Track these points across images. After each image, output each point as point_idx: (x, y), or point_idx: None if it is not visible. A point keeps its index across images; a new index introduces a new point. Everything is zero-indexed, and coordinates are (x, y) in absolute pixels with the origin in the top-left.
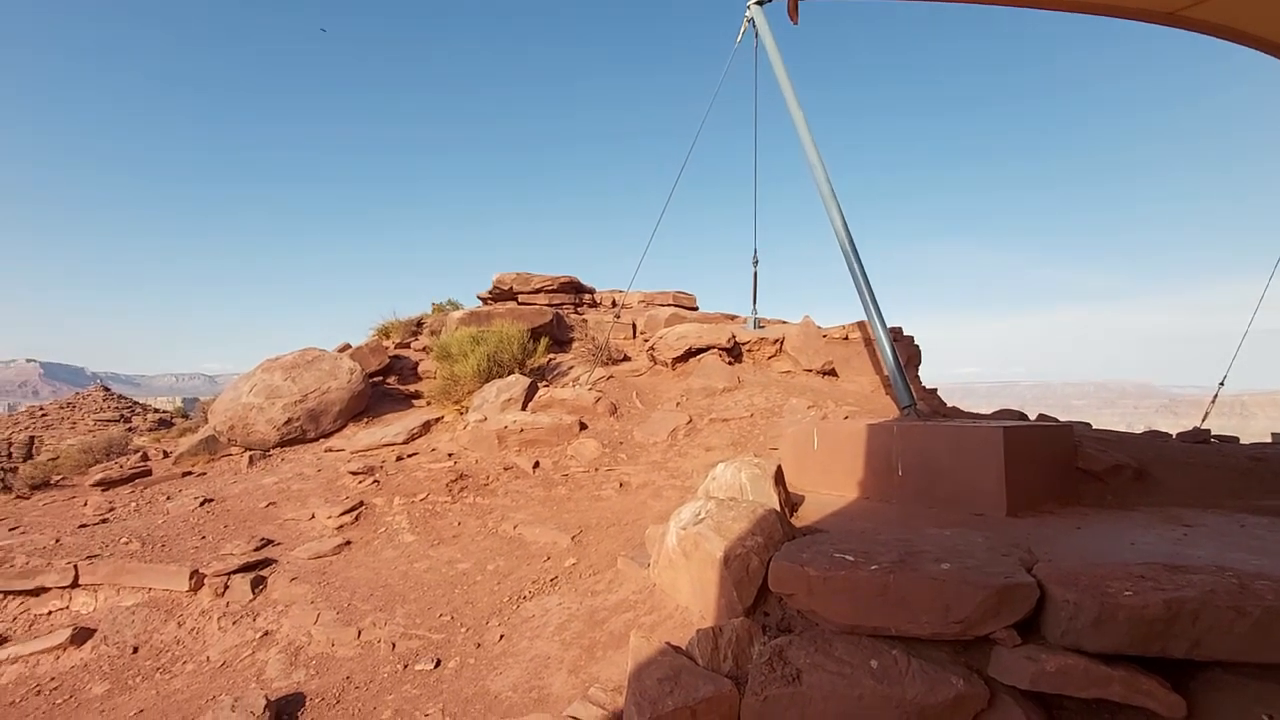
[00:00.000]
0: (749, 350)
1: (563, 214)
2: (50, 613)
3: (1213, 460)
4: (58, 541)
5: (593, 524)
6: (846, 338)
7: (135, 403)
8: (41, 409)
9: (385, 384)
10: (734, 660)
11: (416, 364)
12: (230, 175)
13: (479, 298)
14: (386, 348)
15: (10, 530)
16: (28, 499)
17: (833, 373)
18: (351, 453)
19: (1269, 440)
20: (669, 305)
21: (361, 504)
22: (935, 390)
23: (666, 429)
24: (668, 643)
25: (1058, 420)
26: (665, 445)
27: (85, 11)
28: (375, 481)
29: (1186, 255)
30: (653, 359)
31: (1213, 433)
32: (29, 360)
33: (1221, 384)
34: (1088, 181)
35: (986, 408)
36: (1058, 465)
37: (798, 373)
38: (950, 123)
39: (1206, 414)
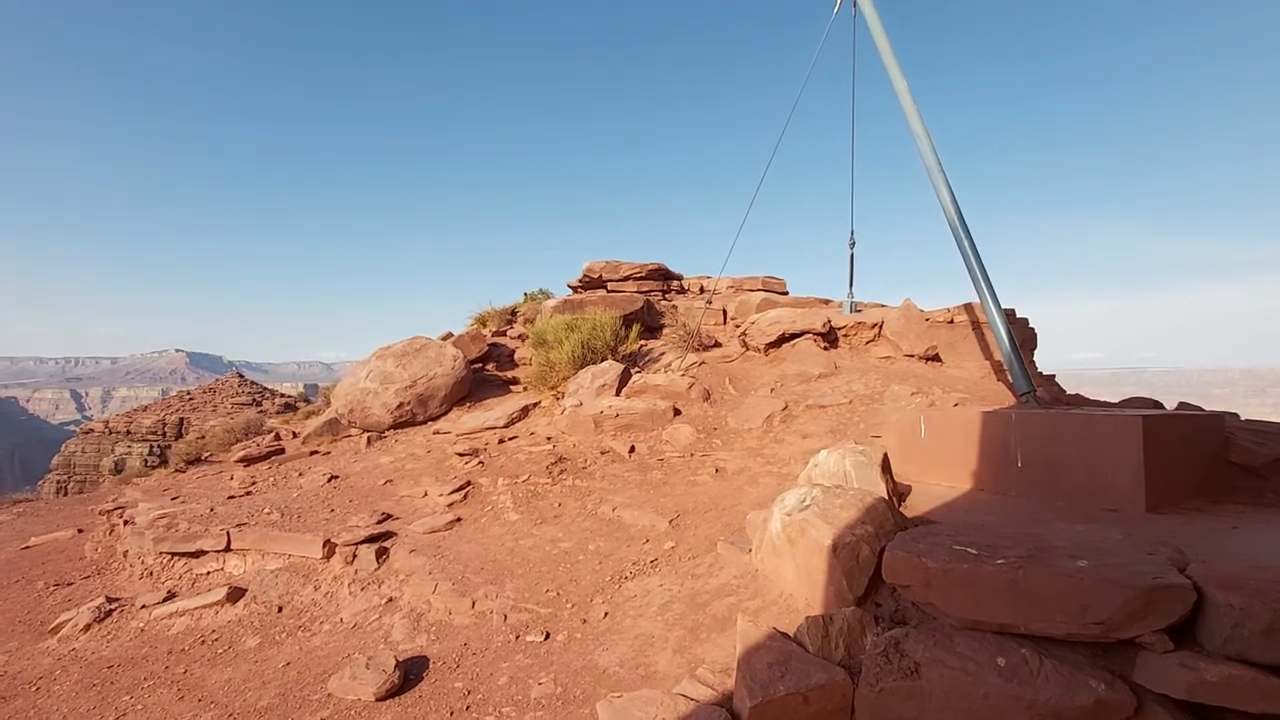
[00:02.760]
0: (845, 335)
1: (650, 202)
2: (209, 573)
3: None
4: (211, 510)
5: (689, 508)
6: (951, 321)
7: (265, 388)
8: (189, 394)
9: (485, 370)
10: (846, 650)
11: (513, 351)
12: (343, 180)
13: (569, 286)
14: (485, 336)
15: (172, 499)
16: (184, 472)
17: (936, 358)
18: (457, 435)
19: None
20: (759, 290)
21: (469, 483)
22: (1053, 376)
23: (761, 415)
24: (776, 629)
25: (1200, 409)
26: (760, 431)
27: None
28: (480, 463)
29: None
30: (745, 345)
31: None
32: (177, 350)
33: None
34: (1225, 139)
35: (1109, 396)
36: (1206, 458)
37: (898, 358)
38: (1062, 92)
39: None
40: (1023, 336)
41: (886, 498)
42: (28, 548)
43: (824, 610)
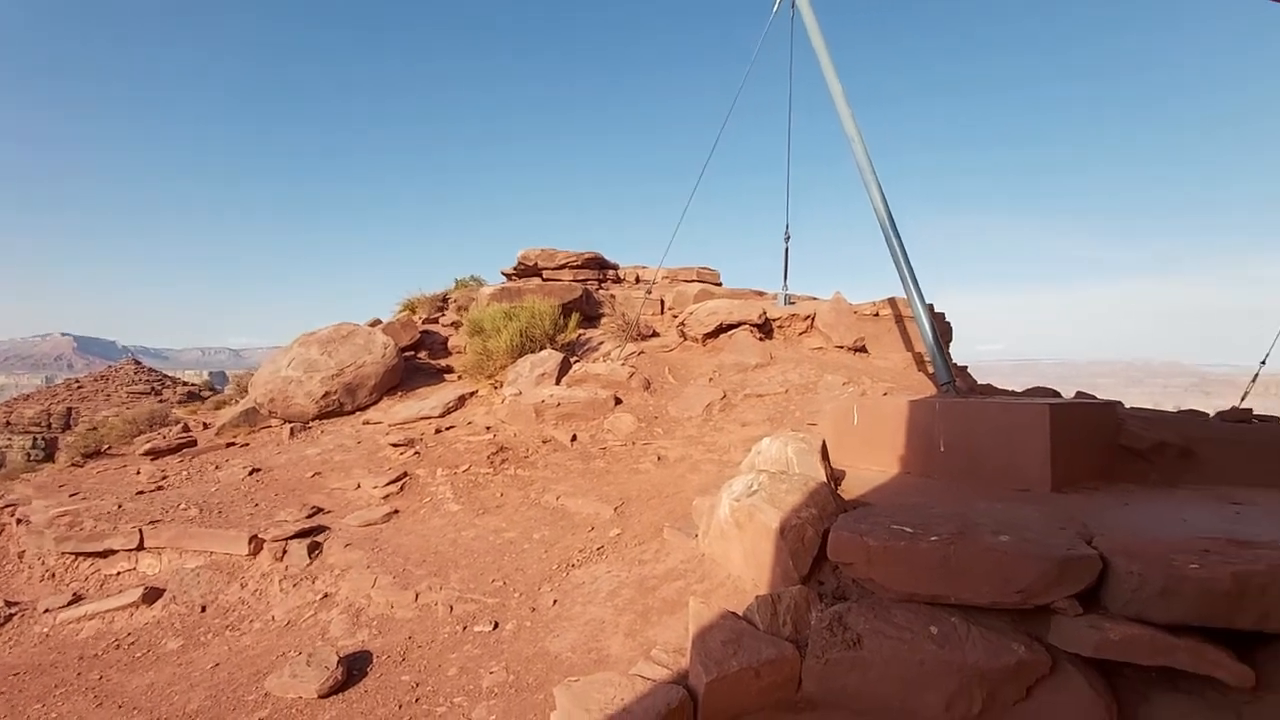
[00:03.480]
0: (780, 327)
1: (582, 190)
2: (119, 573)
3: (1263, 439)
4: (119, 507)
5: (633, 496)
6: (877, 314)
7: (165, 376)
8: (77, 382)
9: (417, 358)
10: (793, 625)
11: (446, 339)
12: (250, 157)
13: (504, 274)
14: (416, 323)
15: (71, 496)
16: (81, 467)
17: (864, 349)
18: (390, 425)
19: None
20: (694, 281)
21: (405, 475)
22: (965, 368)
23: (701, 404)
24: (727, 609)
25: (1095, 398)
26: (700, 420)
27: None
28: (416, 453)
29: (1218, 227)
30: (683, 335)
31: (1254, 412)
32: (63, 334)
33: (1263, 362)
34: (1112, 152)
35: (1012, 386)
36: (1101, 443)
37: (829, 349)
38: (967, 99)
39: (1246, 393)
40: (941, 329)
41: (827, 482)
42: None
43: (770, 590)
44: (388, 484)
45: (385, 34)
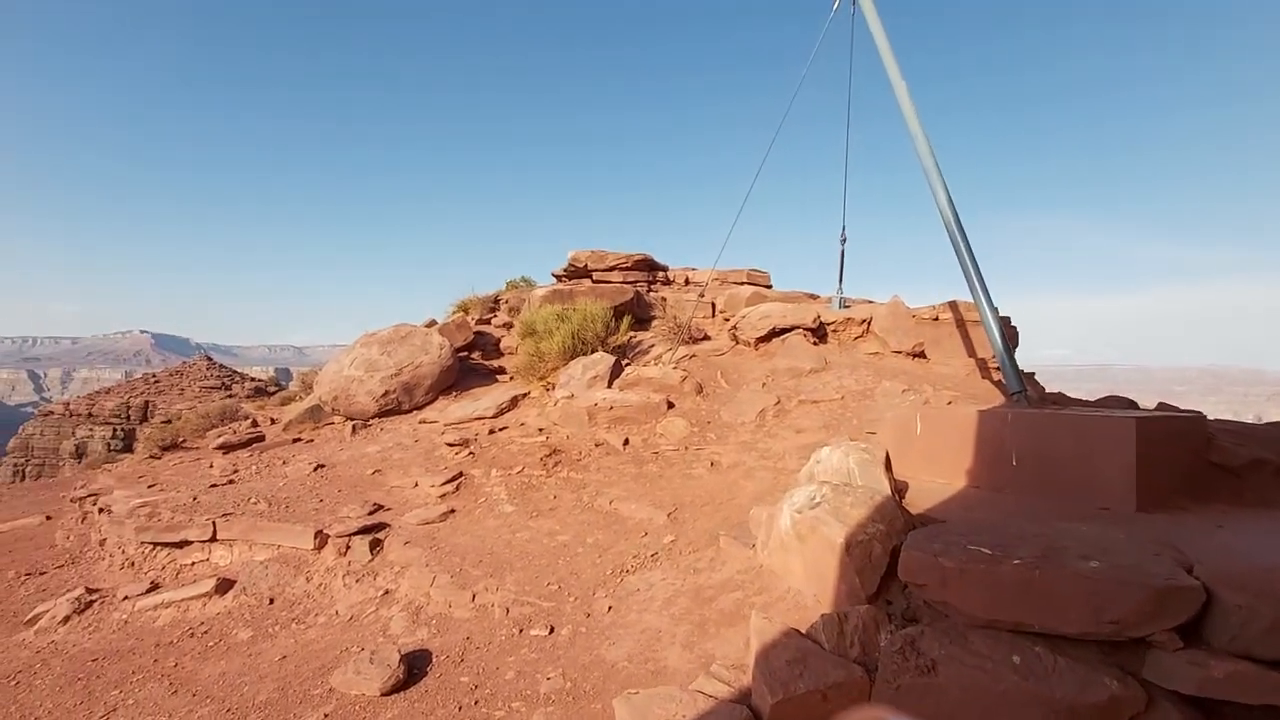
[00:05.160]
0: (834, 331)
1: (632, 192)
2: (194, 564)
3: None
4: (194, 500)
5: (687, 502)
6: (937, 318)
7: (235, 371)
8: (154, 376)
9: (470, 359)
10: (861, 647)
11: (498, 340)
12: (319, 164)
13: (554, 275)
14: (470, 324)
15: (149, 487)
16: (159, 459)
17: (922, 355)
18: (445, 425)
19: None
20: (744, 284)
21: (461, 474)
22: (1033, 374)
23: (754, 409)
24: (790, 626)
25: (1178, 409)
26: (754, 426)
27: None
28: (471, 453)
29: None
30: (734, 338)
31: None
32: (141, 331)
33: None
34: (1188, 149)
35: (1077, 392)
36: (1189, 459)
37: (886, 354)
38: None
39: None
40: (1007, 334)
41: (892, 496)
42: None
43: (834, 607)
44: (444, 483)
45: (431, 27)
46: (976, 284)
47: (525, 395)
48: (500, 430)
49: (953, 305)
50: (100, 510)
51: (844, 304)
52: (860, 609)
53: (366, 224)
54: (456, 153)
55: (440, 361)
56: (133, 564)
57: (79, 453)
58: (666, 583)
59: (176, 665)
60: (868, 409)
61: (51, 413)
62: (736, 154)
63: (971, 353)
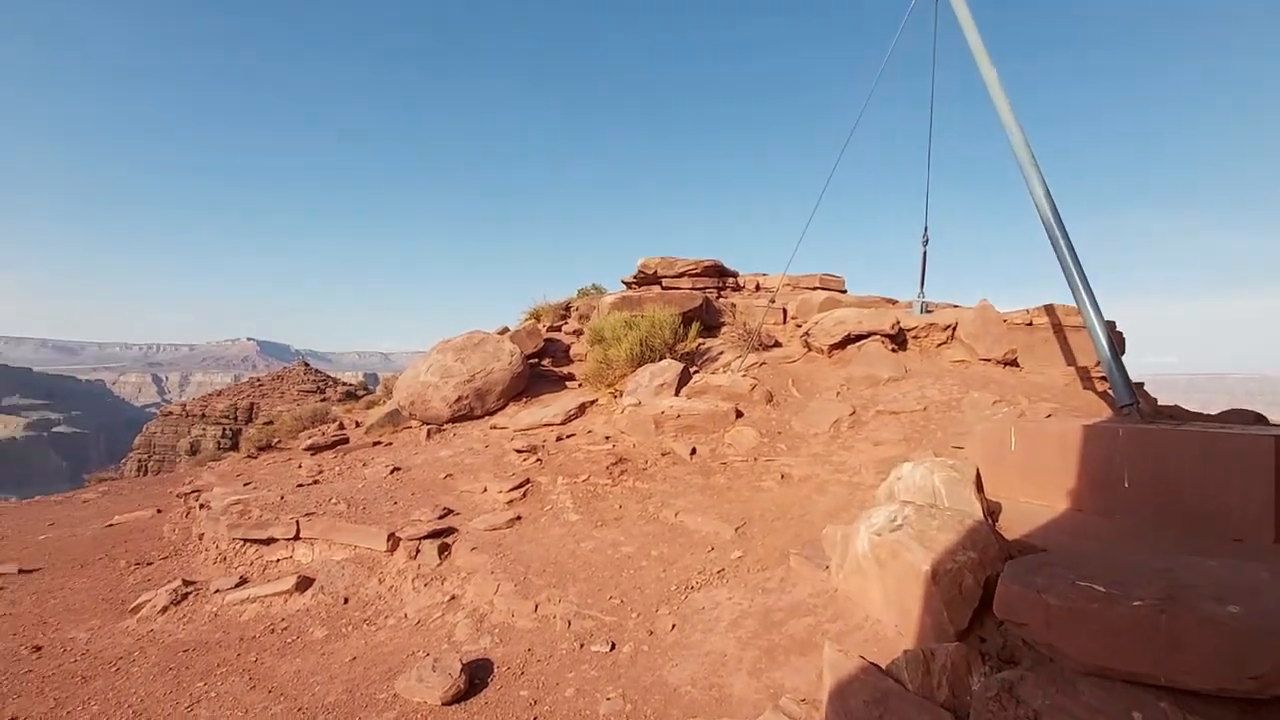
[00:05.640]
0: (915, 337)
1: (701, 199)
2: (278, 560)
3: None
4: (282, 499)
5: (755, 516)
6: (1030, 323)
7: (328, 376)
8: (259, 380)
9: (540, 365)
10: (950, 689)
11: (568, 347)
12: (392, 178)
13: (624, 282)
14: (540, 331)
15: (245, 485)
16: (255, 458)
17: (1014, 363)
18: (514, 431)
19: None
20: (817, 289)
21: (528, 481)
22: (1141, 384)
23: (828, 420)
24: (868, 660)
25: None
26: (827, 437)
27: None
28: (538, 460)
29: None
30: (807, 345)
31: None
32: (248, 339)
33: None
34: None
35: (1192, 404)
36: None
37: (973, 362)
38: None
39: None
40: (1114, 340)
41: (985, 519)
42: (111, 525)
43: (918, 641)
44: (511, 489)
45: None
46: (1079, 285)
47: (593, 402)
48: (568, 437)
49: (1049, 309)
50: (200, 506)
51: (926, 309)
52: (949, 646)
53: (450, 232)
54: (532, 165)
55: (511, 368)
56: (225, 558)
57: (193, 450)
58: (733, 602)
59: (257, 660)
60: (953, 421)
61: (170, 413)
62: (813, 155)
63: (1071, 360)
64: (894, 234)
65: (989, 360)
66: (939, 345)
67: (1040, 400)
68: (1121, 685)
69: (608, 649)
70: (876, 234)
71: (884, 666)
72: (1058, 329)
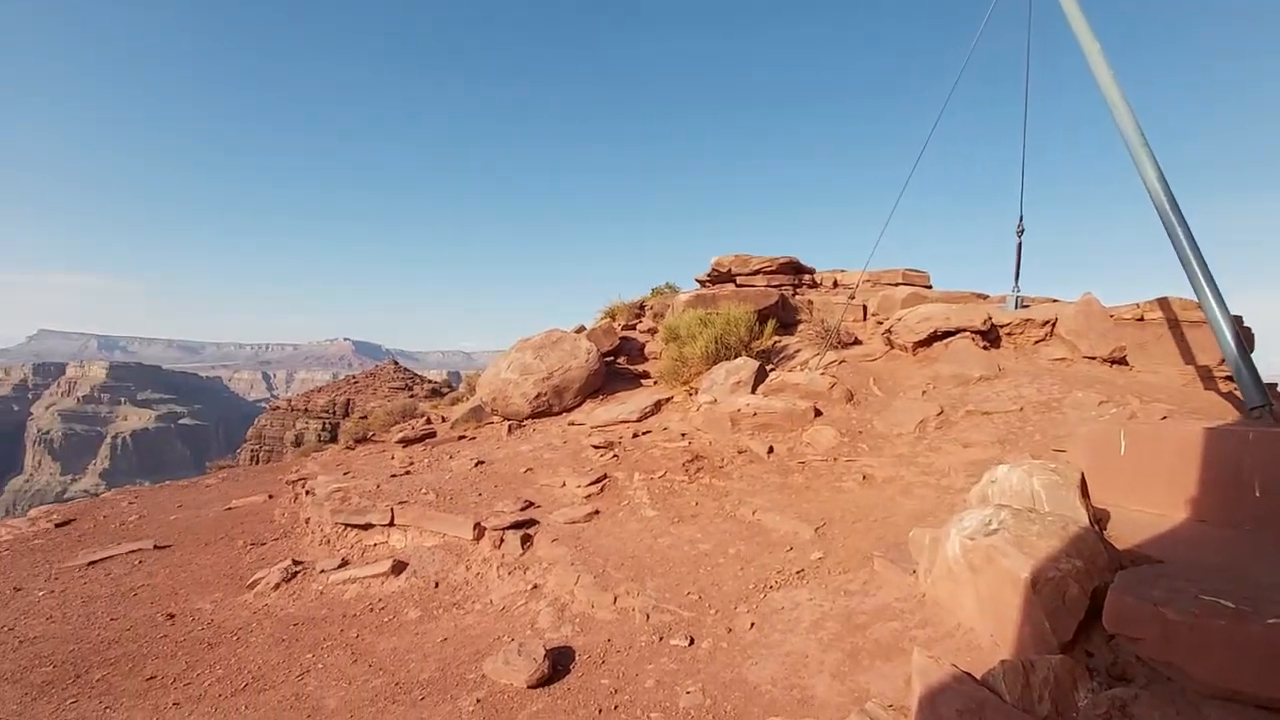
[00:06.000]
0: (1009, 333)
1: (777, 194)
2: (375, 544)
3: None
4: (378, 487)
5: (836, 517)
6: (1142, 318)
7: (415, 374)
8: (354, 378)
9: (616, 363)
10: (1052, 704)
11: (643, 345)
12: (473, 181)
13: (697, 280)
14: (615, 329)
15: (345, 474)
16: (353, 450)
17: (1123, 361)
18: (591, 427)
19: None
20: (900, 284)
21: (605, 476)
22: (1275, 385)
23: (913, 420)
24: (961, 669)
25: None
26: (912, 438)
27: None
28: (615, 456)
29: None
30: (890, 343)
31: None
32: (345, 339)
33: None
34: None
35: None
36: None
37: (1075, 360)
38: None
39: None
40: (1241, 336)
41: (1091, 526)
42: (230, 509)
43: (1016, 652)
44: (589, 484)
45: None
46: (1199, 275)
47: (668, 400)
48: (644, 434)
49: (1163, 302)
50: (307, 492)
51: (1021, 303)
52: (1052, 659)
53: (528, 232)
54: (602, 169)
55: (588, 366)
56: (328, 541)
57: (297, 441)
58: (814, 603)
59: (358, 636)
60: (1054, 423)
61: (278, 408)
62: (897, 146)
63: (1189, 359)
64: (983, 229)
65: (1093, 358)
66: (1036, 342)
67: (1154, 401)
68: (1254, 710)
69: (686, 644)
70: (963, 233)
71: (978, 677)
72: (1173, 324)
